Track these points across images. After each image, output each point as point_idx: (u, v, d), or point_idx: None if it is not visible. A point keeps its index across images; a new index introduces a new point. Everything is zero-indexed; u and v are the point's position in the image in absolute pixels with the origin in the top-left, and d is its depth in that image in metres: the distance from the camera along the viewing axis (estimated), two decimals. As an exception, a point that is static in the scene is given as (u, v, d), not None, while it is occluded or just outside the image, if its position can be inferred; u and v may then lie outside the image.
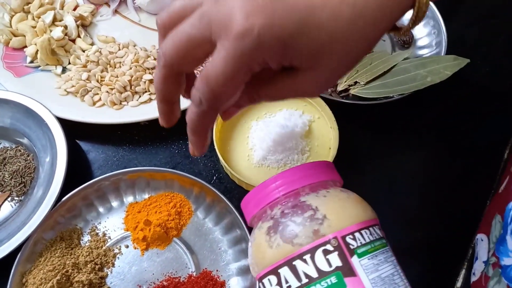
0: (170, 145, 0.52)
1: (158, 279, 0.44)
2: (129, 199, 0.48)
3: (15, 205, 0.47)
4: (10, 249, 0.42)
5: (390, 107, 0.54)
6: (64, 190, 0.45)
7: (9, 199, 0.48)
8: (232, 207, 0.44)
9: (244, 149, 0.51)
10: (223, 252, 0.45)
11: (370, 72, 0.54)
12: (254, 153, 0.50)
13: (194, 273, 0.44)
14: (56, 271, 0.42)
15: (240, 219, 0.44)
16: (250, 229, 0.43)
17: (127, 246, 0.46)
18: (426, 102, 0.56)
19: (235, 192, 0.49)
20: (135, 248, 0.46)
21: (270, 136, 0.49)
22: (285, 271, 0.31)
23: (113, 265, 0.45)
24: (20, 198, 0.48)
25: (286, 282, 0.31)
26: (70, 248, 0.45)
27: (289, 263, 0.31)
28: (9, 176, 0.48)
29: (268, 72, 0.28)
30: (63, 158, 0.46)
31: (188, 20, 0.27)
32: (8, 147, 0.51)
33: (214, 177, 0.51)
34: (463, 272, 0.47)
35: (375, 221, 0.34)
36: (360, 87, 0.54)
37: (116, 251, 0.45)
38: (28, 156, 0.49)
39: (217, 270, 0.44)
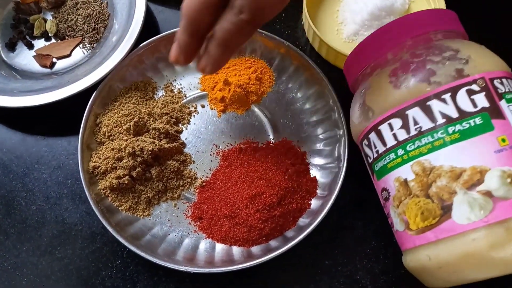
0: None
1: (235, 142, 0.41)
2: (206, 60, 0.44)
3: (87, 51, 0.44)
4: (82, 87, 0.39)
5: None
6: (137, 44, 0.42)
7: (81, 45, 0.45)
8: (321, 74, 0.40)
9: (333, 23, 0.46)
10: (306, 123, 0.42)
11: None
12: (344, 27, 0.45)
13: (273, 141, 0.41)
14: (132, 116, 0.39)
15: (330, 88, 0.40)
16: (342, 97, 0.40)
17: (203, 106, 0.43)
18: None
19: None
20: (212, 109, 0.42)
21: (367, 8, 0.44)
22: (415, 112, 0.28)
23: (188, 122, 0.42)
24: (92, 45, 0.44)
25: (415, 123, 0.28)
26: (144, 99, 0.42)
27: (421, 103, 0.28)
28: (81, 21, 0.44)
29: None
30: (142, 6, 0.43)
31: None
32: (80, -7, 0.47)
33: (297, 51, 0.46)
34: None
35: None
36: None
37: (192, 109, 0.42)
38: (102, 3, 0.46)
39: (297, 141, 0.41)
